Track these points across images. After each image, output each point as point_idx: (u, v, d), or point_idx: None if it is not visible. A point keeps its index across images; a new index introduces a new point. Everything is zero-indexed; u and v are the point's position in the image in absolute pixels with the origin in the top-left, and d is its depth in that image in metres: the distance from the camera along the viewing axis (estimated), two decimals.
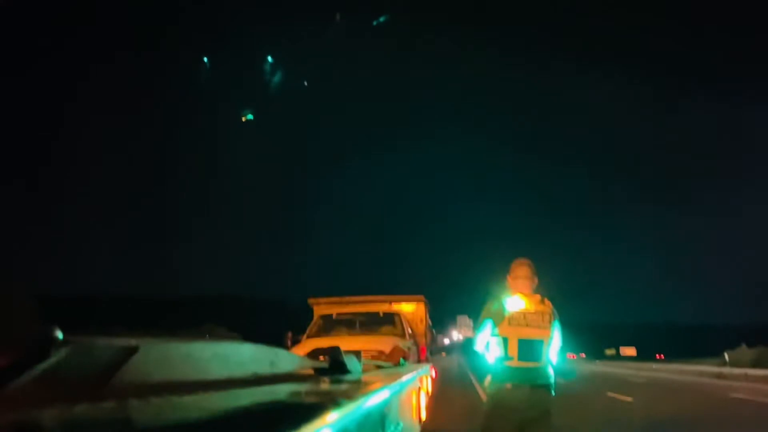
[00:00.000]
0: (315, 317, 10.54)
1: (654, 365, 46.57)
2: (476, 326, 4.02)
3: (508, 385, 3.76)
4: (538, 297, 3.99)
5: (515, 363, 3.78)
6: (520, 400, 3.75)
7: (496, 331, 3.83)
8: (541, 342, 3.88)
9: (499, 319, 3.84)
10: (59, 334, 1.31)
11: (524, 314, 3.88)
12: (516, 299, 3.93)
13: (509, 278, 4.08)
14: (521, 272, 4.03)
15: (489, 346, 3.88)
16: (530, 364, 3.81)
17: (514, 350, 3.79)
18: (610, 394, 16.74)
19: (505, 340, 3.81)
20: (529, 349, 3.83)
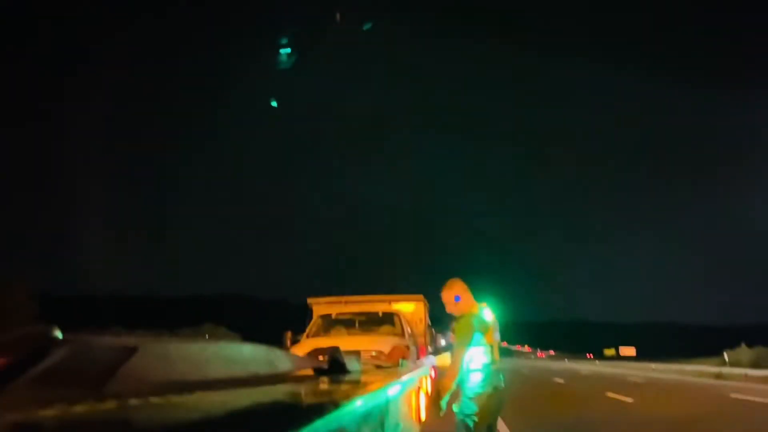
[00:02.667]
0: (314, 317, 10.47)
1: (653, 365, 46.52)
2: (461, 343, 4.28)
3: (497, 386, 4.28)
4: (485, 304, 4.56)
5: (497, 365, 4.37)
6: (501, 398, 4.35)
7: (483, 340, 4.30)
8: (500, 344, 4.60)
9: (484, 329, 4.33)
10: (59, 334, 1.31)
11: (494, 322, 4.51)
12: (486, 310, 4.49)
13: (457, 295, 4.50)
14: (463, 287, 4.56)
15: (471, 357, 4.30)
16: (500, 364, 4.44)
17: (497, 354, 4.41)
18: (610, 394, 16.74)
19: (491, 348, 4.35)
20: (499, 352, 4.51)
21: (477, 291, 4.70)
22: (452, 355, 4.38)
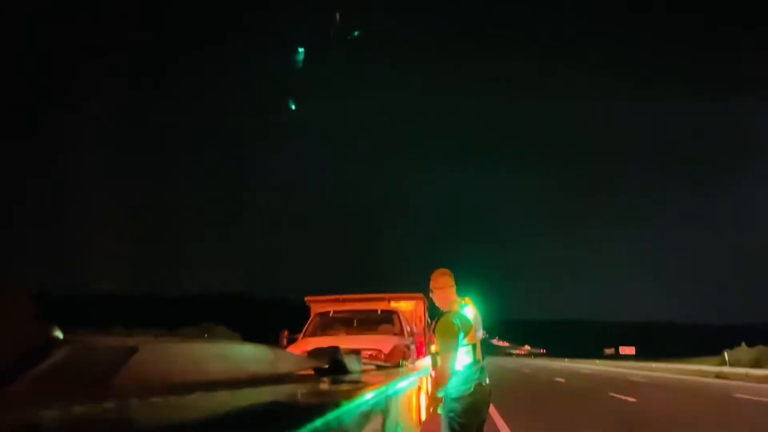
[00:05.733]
0: (312, 315, 10.35)
1: (653, 364, 46.46)
2: (447, 347, 4.07)
3: (481, 384, 4.15)
4: (468, 299, 4.39)
5: (481, 364, 4.22)
6: (486, 396, 4.21)
7: (465, 341, 4.14)
8: (485, 340, 4.43)
9: (467, 328, 4.17)
10: (59, 334, 1.31)
11: (475, 318, 4.31)
12: (468, 308, 4.31)
13: (439, 289, 4.35)
14: (448, 281, 4.37)
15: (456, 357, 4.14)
16: (484, 362, 4.28)
17: (480, 353, 4.23)
18: (613, 394, 16.67)
19: (474, 347, 4.19)
20: (484, 348, 4.33)
21: (473, 287, 4.56)
22: (439, 360, 4.11)
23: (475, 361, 4.15)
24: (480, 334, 4.31)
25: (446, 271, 4.43)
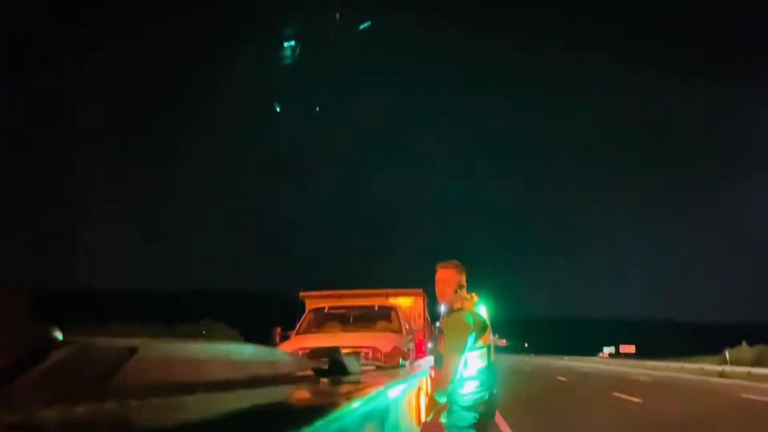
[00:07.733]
0: (306, 311, 10.04)
1: (654, 363, 46.50)
2: (456, 347, 3.63)
3: (493, 392, 3.78)
4: (475, 295, 3.95)
5: (493, 369, 3.83)
6: (495, 403, 3.83)
7: (479, 343, 3.73)
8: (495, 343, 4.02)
9: (481, 330, 3.76)
10: (59, 334, 1.30)
11: (488, 318, 3.92)
12: (482, 307, 3.90)
13: (441, 282, 3.91)
14: (452, 274, 3.90)
15: (465, 361, 3.71)
16: (495, 367, 3.90)
17: (492, 355, 3.83)
18: (616, 394, 16.54)
19: (488, 349, 3.79)
20: (495, 351, 3.92)
21: (482, 284, 4.16)
22: (444, 362, 3.65)
23: (489, 365, 3.74)
24: (492, 336, 3.91)
25: (455, 262, 3.95)
